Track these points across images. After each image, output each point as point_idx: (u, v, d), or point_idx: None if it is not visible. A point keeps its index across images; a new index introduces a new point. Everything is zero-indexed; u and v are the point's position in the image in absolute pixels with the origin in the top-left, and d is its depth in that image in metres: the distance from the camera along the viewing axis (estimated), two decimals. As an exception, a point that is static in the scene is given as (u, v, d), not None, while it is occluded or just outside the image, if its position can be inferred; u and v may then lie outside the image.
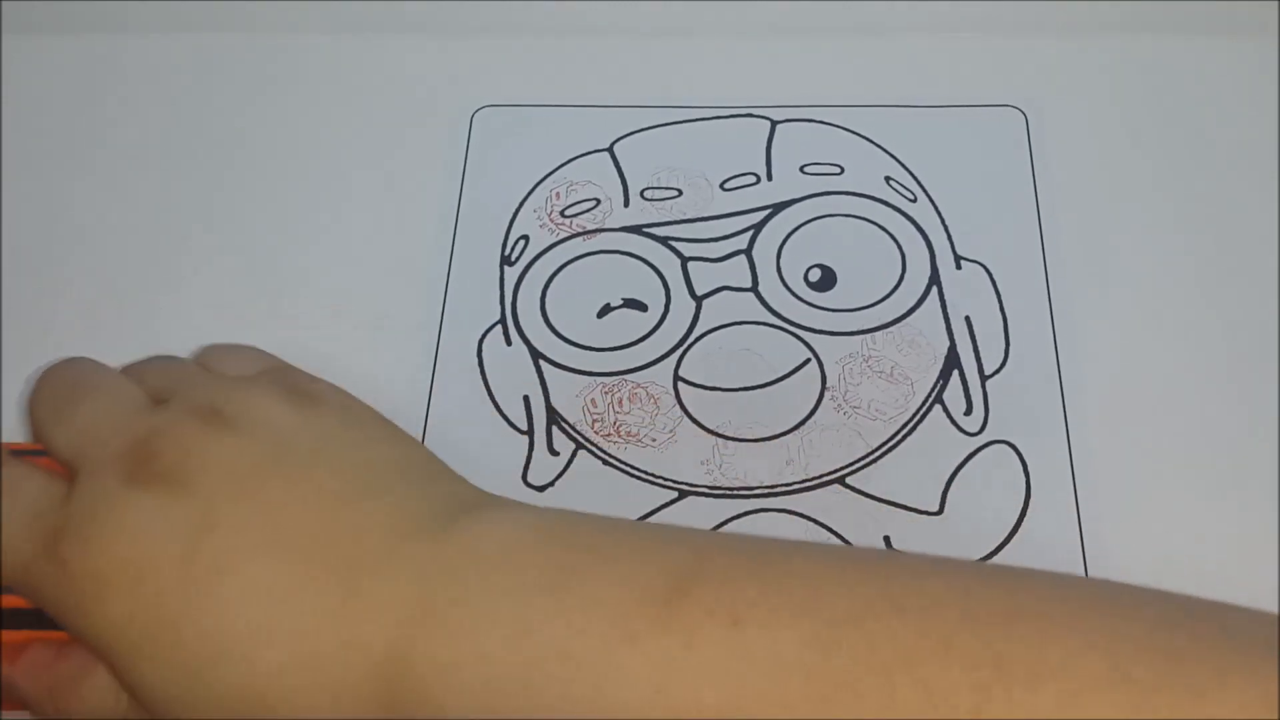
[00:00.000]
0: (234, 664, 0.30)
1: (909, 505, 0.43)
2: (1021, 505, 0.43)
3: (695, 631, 0.28)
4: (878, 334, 0.47)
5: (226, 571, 0.31)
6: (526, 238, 0.50)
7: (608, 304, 0.48)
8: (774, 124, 0.52)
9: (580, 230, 0.50)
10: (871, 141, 0.51)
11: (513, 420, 0.46)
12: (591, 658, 0.29)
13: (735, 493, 0.44)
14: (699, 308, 0.48)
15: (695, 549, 0.31)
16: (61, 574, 0.32)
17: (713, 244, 0.49)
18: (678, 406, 0.46)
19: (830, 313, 0.47)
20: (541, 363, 0.47)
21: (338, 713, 0.31)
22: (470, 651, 0.30)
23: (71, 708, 0.34)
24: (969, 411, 0.45)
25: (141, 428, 0.34)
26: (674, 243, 0.49)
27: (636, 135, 0.52)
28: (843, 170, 0.50)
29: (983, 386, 0.46)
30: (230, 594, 0.31)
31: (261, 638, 0.30)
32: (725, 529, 0.43)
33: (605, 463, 0.45)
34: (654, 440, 0.45)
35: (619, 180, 0.51)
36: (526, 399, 0.46)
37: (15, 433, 0.47)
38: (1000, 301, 0.47)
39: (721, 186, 0.50)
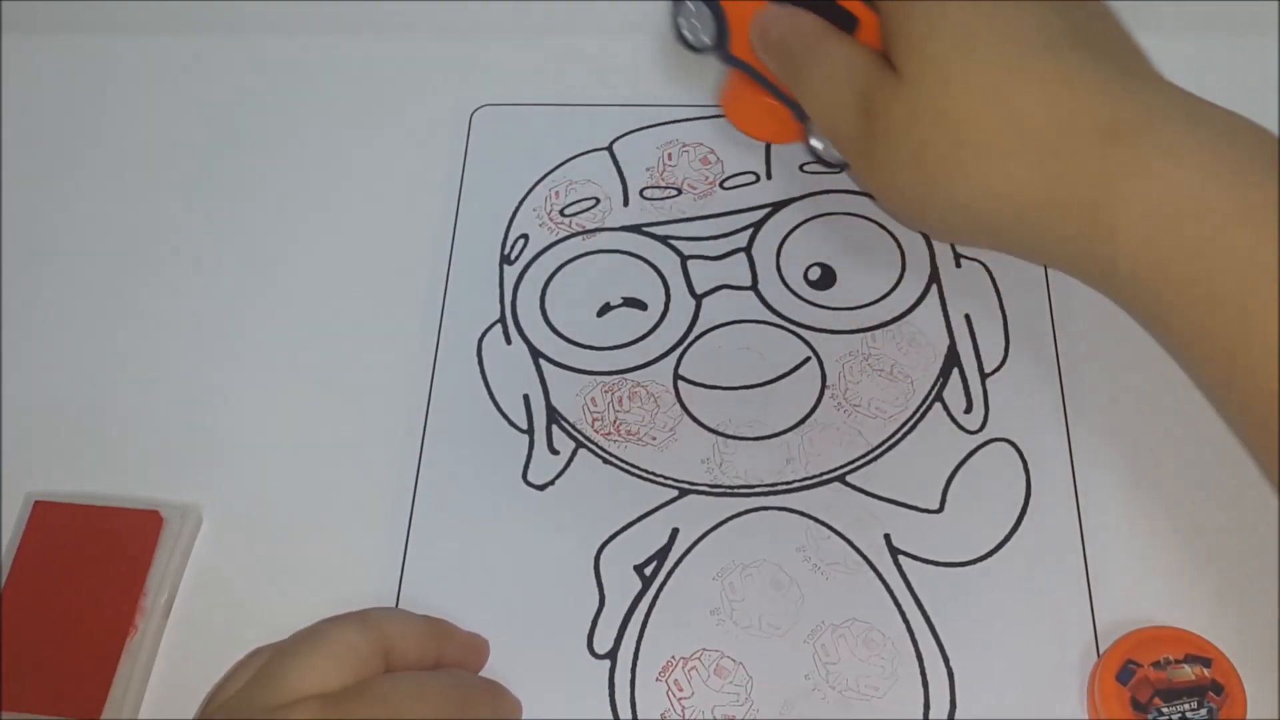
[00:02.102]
0: (989, 86, 0.36)
1: (909, 503, 0.43)
2: (1021, 503, 0.43)
3: None
4: (877, 332, 0.47)
5: (1039, 11, 0.37)
6: (526, 236, 0.50)
7: (607, 303, 0.48)
8: (774, 123, 0.52)
9: (580, 229, 0.50)
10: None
11: (513, 419, 0.46)
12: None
13: (736, 491, 0.44)
14: (699, 306, 0.48)
15: None
16: None
17: (712, 242, 0.49)
18: (678, 405, 0.46)
19: (830, 311, 0.47)
20: (541, 361, 0.47)
21: (1025, 184, 0.36)
22: (1162, 194, 0.34)
23: (826, 46, 0.40)
24: (969, 409, 0.45)
25: None
26: (674, 241, 0.49)
27: (636, 134, 0.52)
28: (843, 168, 0.50)
29: (983, 384, 0.45)
30: (1027, 30, 0.36)
31: (1023, 79, 0.36)
32: (726, 526, 0.43)
33: (605, 461, 0.45)
34: (654, 439, 0.45)
35: (618, 179, 0.51)
36: (526, 398, 0.46)
37: (14, 429, 0.47)
38: (1000, 299, 0.47)
39: (721, 185, 0.50)
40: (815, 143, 0.45)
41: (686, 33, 0.45)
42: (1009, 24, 0.37)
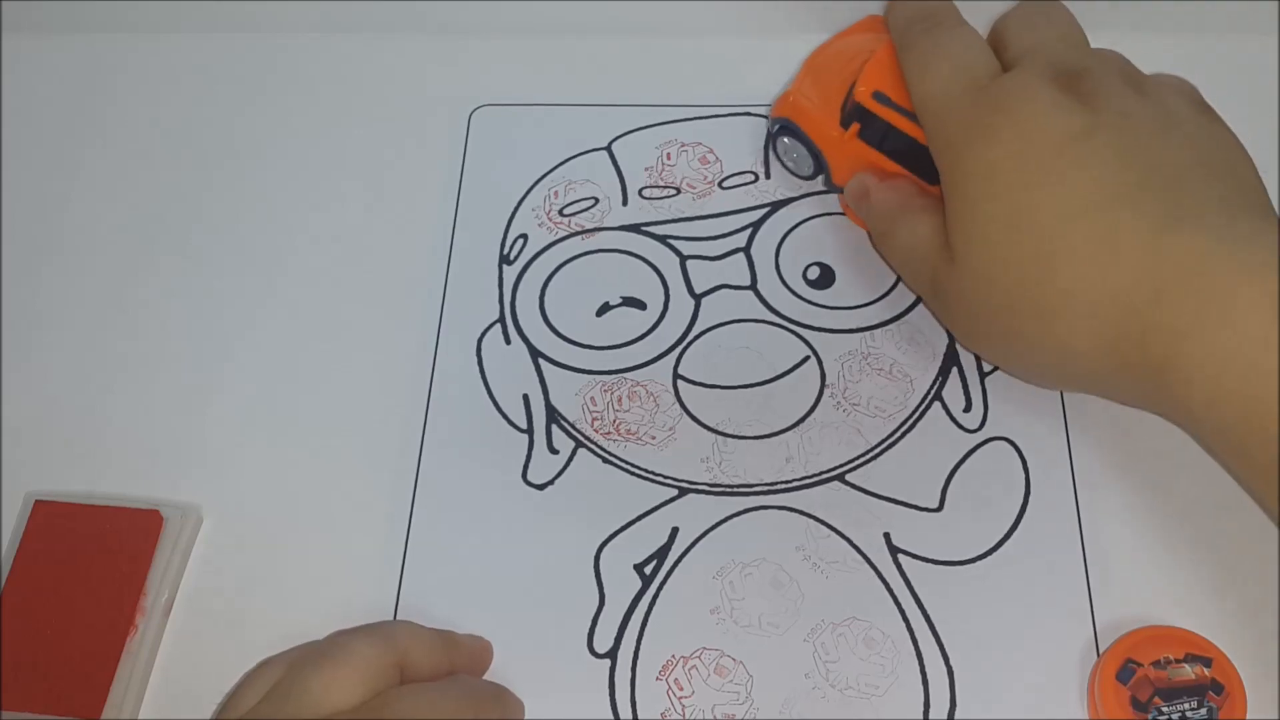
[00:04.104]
0: (1033, 261, 0.37)
1: (909, 502, 0.43)
2: (1021, 502, 0.43)
3: None
4: (877, 331, 0.47)
5: (1079, 168, 0.37)
6: (525, 236, 0.50)
7: (607, 302, 0.48)
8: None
9: (579, 229, 0.50)
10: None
11: (512, 419, 0.46)
12: None
13: (735, 490, 0.44)
14: (698, 305, 0.48)
15: None
16: (970, 112, 0.39)
17: (711, 242, 0.49)
18: (677, 404, 0.46)
19: (829, 310, 0.47)
20: (541, 361, 0.47)
21: (1090, 351, 0.37)
22: (1240, 335, 0.34)
23: (899, 227, 0.43)
24: (968, 408, 0.45)
25: (1076, 62, 0.40)
26: (673, 241, 0.49)
27: (635, 134, 0.52)
28: None
29: (982, 383, 0.45)
30: (1067, 195, 0.37)
31: (1066, 249, 0.36)
32: (726, 525, 0.43)
33: (605, 461, 0.45)
34: (654, 438, 0.45)
35: (617, 179, 0.51)
36: (526, 397, 0.46)
37: (14, 429, 0.47)
38: (1000, 299, 0.47)
39: (720, 185, 0.50)
40: None
41: (789, 163, 0.49)
42: (1058, 184, 0.37)
